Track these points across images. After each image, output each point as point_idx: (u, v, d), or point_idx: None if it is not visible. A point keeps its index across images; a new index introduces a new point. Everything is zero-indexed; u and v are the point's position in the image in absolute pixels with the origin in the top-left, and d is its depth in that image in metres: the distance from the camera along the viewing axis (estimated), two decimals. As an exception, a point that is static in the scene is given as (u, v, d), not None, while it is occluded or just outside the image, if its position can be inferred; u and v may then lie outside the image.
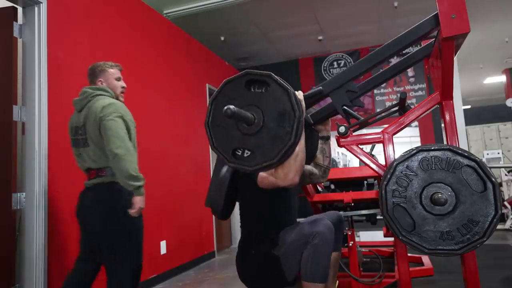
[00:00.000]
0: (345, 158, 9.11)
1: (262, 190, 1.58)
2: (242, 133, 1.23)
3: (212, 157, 4.64)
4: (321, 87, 1.46)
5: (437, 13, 1.20)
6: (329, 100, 1.54)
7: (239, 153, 1.25)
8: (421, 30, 1.30)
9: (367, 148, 3.51)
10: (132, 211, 1.87)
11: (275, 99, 1.20)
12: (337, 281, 1.90)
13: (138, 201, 1.88)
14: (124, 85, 2.23)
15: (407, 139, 7.68)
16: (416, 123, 5.61)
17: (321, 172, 1.88)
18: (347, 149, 1.60)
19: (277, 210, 1.71)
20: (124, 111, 2.02)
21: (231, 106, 1.11)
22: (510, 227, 4.97)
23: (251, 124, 1.21)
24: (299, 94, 1.34)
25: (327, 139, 1.83)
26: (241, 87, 1.24)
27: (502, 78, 8.57)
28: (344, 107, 1.49)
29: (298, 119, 1.17)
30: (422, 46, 1.56)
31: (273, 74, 1.21)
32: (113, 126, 1.90)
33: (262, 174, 1.54)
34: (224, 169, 1.71)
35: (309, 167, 1.87)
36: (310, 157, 1.83)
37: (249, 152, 1.23)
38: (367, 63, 1.42)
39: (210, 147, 1.30)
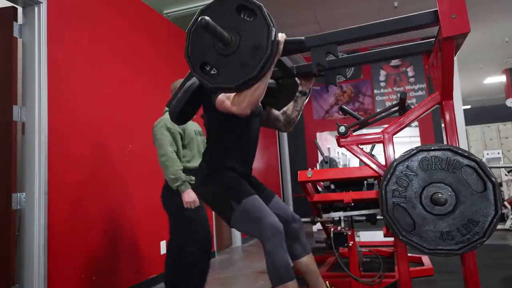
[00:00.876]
0: (345, 158, 9.10)
1: (218, 113, 1.62)
2: (216, 52, 1.29)
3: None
4: (304, 38, 1.45)
5: (437, 9, 1.20)
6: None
7: (207, 69, 1.32)
8: (419, 20, 1.29)
9: (367, 148, 3.51)
10: (185, 205, 2.31)
11: (256, 31, 1.24)
12: (327, 281, 1.89)
13: (184, 197, 2.30)
14: None
15: (407, 139, 7.68)
16: (416, 123, 5.61)
17: (285, 121, 1.92)
18: (347, 149, 1.60)
19: (224, 141, 1.73)
20: (170, 123, 2.36)
21: (207, 17, 1.16)
22: (510, 227, 4.97)
23: (226, 45, 1.26)
24: (281, 36, 1.35)
25: (303, 94, 1.86)
26: (231, 9, 1.28)
27: (502, 78, 8.57)
28: (319, 64, 1.45)
29: (268, 56, 1.22)
30: (421, 42, 1.56)
31: (263, 7, 1.24)
32: (158, 137, 2.37)
33: (221, 96, 1.57)
34: (191, 82, 1.74)
35: (276, 113, 1.93)
36: (282, 103, 1.90)
37: (216, 71, 1.30)
38: (355, 32, 1.38)
39: (184, 54, 1.35)
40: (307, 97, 1.88)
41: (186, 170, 2.39)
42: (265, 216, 1.54)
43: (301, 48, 1.44)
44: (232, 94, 1.49)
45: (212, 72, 1.31)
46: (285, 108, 1.92)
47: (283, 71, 1.64)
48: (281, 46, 1.35)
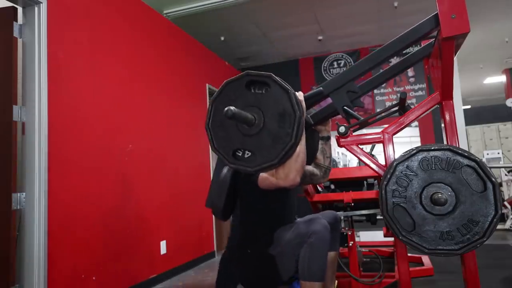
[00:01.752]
0: (345, 158, 9.10)
1: (262, 190, 1.58)
2: (243, 134, 1.23)
3: (212, 157, 4.64)
4: (321, 88, 1.46)
5: (437, 13, 1.20)
6: (329, 100, 1.54)
7: (240, 154, 1.25)
8: (421, 30, 1.30)
9: (367, 148, 3.51)
10: None
11: (276, 100, 1.20)
12: (336, 281, 1.90)
13: None
14: None
15: (407, 139, 7.68)
16: (416, 123, 5.61)
17: (322, 172, 1.88)
18: (347, 149, 1.60)
19: (276, 210, 1.72)
20: None
21: (232, 107, 1.11)
22: (510, 227, 4.97)
23: (251, 125, 1.21)
24: (299, 95, 1.34)
25: (327, 139, 1.84)
26: (241, 88, 1.24)
27: (502, 78, 8.57)
28: (345, 107, 1.48)
29: (299, 119, 1.18)
30: (422, 46, 1.56)
31: (273, 75, 1.21)
32: None
33: (262, 174, 1.54)
34: (225, 170, 1.71)
35: (310, 168, 1.87)
36: (310, 157, 1.84)
37: (250, 153, 1.24)
38: (367, 63, 1.42)
39: (210, 147, 1.30)
40: (330, 139, 1.85)
41: None
42: (319, 217, 1.60)
43: (321, 98, 1.45)
44: (273, 170, 1.45)
45: (246, 156, 1.25)
46: (316, 161, 1.89)
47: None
48: (304, 104, 1.32)
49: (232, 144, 1.25)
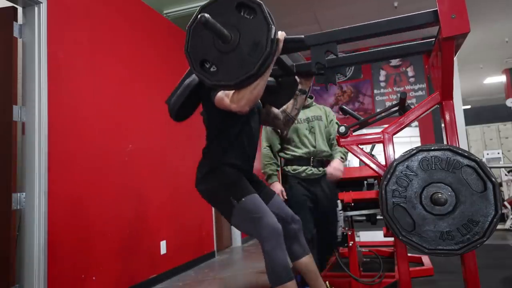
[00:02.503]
0: (345, 158, 9.09)
1: (218, 110, 1.62)
2: (216, 49, 1.29)
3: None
4: (303, 36, 1.44)
5: (437, 9, 1.20)
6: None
7: (207, 66, 1.32)
8: (419, 19, 1.29)
9: (367, 148, 3.51)
10: None
11: (256, 29, 1.24)
12: (327, 281, 1.88)
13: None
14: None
15: (407, 139, 7.67)
16: (416, 123, 5.61)
17: (284, 119, 1.93)
18: (347, 149, 1.60)
19: (224, 138, 1.73)
20: None
21: (206, 15, 1.17)
22: (510, 227, 4.97)
23: (226, 42, 1.26)
24: (280, 34, 1.35)
25: (303, 93, 1.86)
26: (232, 7, 1.28)
27: (502, 78, 8.57)
28: (318, 63, 1.44)
29: (267, 54, 1.22)
30: (421, 41, 1.56)
31: (263, 5, 1.24)
32: None
33: (220, 94, 1.58)
34: (191, 78, 1.74)
35: (276, 111, 1.93)
36: (281, 101, 1.91)
37: (215, 68, 1.30)
38: (355, 31, 1.38)
39: (184, 51, 1.35)
40: (306, 96, 1.88)
41: (295, 159, 2.58)
42: (264, 216, 1.54)
43: (301, 46, 1.44)
44: (231, 92, 1.50)
45: (211, 69, 1.31)
46: (284, 107, 1.93)
47: (283, 70, 1.64)
48: (281, 44, 1.35)
49: (203, 53, 1.31)
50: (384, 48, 1.59)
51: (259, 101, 1.84)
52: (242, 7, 1.27)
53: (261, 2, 1.24)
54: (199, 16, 1.17)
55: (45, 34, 2.49)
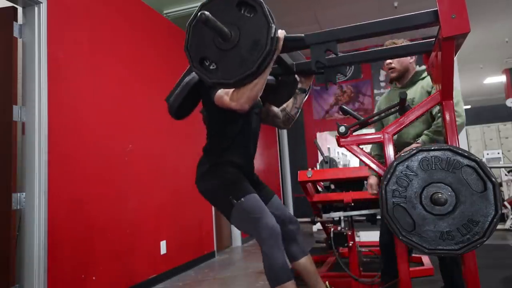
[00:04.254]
0: (345, 158, 9.10)
1: (217, 109, 1.62)
2: (216, 47, 1.28)
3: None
4: (303, 35, 1.44)
5: (437, 9, 1.20)
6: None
7: (207, 64, 1.31)
8: (419, 19, 1.29)
9: (367, 148, 3.51)
10: None
11: (256, 27, 1.24)
12: (327, 281, 1.88)
13: None
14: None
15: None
16: (416, 123, 5.59)
17: (284, 118, 1.92)
18: (347, 149, 1.60)
19: (225, 136, 1.74)
20: None
21: (206, 12, 1.16)
22: (510, 227, 4.97)
23: (226, 40, 1.26)
24: (281, 33, 1.35)
25: (303, 91, 1.86)
26: (232, 5, 1.28)
27: (502, 78, 8.57)
28: (318, 61, 1.44)
29: (267, 52, 1.22)
30: (421, 41, 1.56)
31: (264, 4, 1.24)
32: None
33: (220, 92, 1.57)
34: (191, 76, 1.74)
35: (275, 109, 1.93)
36: (281, 100, 1.91)
37: (215, 66, 1.29)
38: (355, 30, 1.38)
39: (183, 48, 1.34)
40: (306, 95, 1.88)
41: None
42: (262, 217, 1.55)
43: (301, 45, 1.43)
44: (231, 90, 1.50)
45: (211, 67, 1.30)
46: (284, 105, 1.93)
47: (283, 68, 1.64)
48: (281, 43, 1.35)
49: (202, 51, 1.31)
50: (385, 48, 1.58)
51: (259, 100, 1.84)
52: (243, 5, 1.27)
53: (262, 1, 1.23)
54: (199, 13, 1.16)
55: (45, 34, 2.49)
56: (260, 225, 1.53)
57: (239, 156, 1.75)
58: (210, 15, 1.16)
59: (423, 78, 2.22)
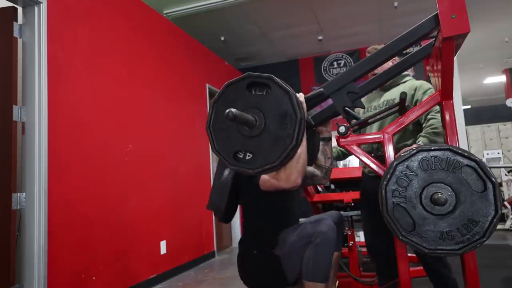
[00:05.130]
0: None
1: (264, 192, 1.58)
2: (244, 136, 1.22)
3: (212, 157, 4.64)
4: (322, 89, 1.46)
5: (437, 13, 1.20)
6: (330, 101, 1.54)
7: (241, 156, 1.24)
8: (421, 30, 1.30)
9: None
10: None
11: (276, 102, 1.20)
12: (337, 281, 1.89)
13: None
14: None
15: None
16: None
17: (323, 173, 1.87)
18: (347, 149, 1.60)
19: (279, 210, 1.72)
20: None
21: (233, 109, 1.10)
22: (510, 227, 4.97)
23: (252, 127, 1.21)
24: (300, 96, 1.33)
25: (328, 140, 1.83)
26: (242, 90, 1.23)
27: (502, 78, 8.57)
28: (346, 108, 1.48)
29: (300, 121, 1.17)
30: (422, 46, 1.56)
31: (274, 77, 1.20)
32: None
33: (264, 176, 1.54)
34: (226, 172, 1.71)
35: (310, 169, 1.86)
36: (311, 158, 1.83)
37: (251, 155, 1.23)
38: (367, 64, 1.41)
39: (210, 148, 1.29)
40: (331, 140, 1.83)
41: None
42: (325, 218, 1.61)
43: (322, 98, 1.44)
44: (275, 172, 1.45)
45: (247, 158, 1.24)
46: (317, 162, 1.87)
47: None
48: (305, 106, 1.33)
49: (233, 145, 1.24)
50: (390, 67, 1.59)
51: None
52: (253, 86, 1.23)
53: (271, 75, 1.20)
54: (227, 112, 1.10)
55: (45, 34, 2.49)
56: (324, 222, 1.56)
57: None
58: (236, 111, 1.11)
59: (405, 82, 2.26)
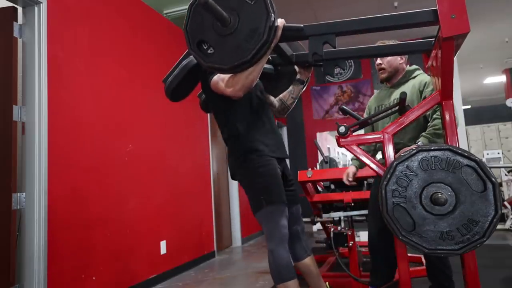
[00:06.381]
0: (345, 158, 9.09)
1: (216, 94, 1.63)
2: (214, 31, 1.27)
3: (212, 157, 4.64)
4: (303, 26, 1.44)
5: (436, 9, 1.20)
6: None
7: (204, 47, 1.30)
8: (418, 17, 1.29)
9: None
10: None
11: (255, 15, 1.23)
12: (327, 282, 1.89)
13: None
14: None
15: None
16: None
17: (280, 107, 1.94)
18: (347, 149, 1.60)
19: (233, 122, 1.70)
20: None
21: None
22: (510, 227, 4.97)
23: (225, 26, 1.25)
24: (280, 22, 1.35)
25: (301, 83, 1.87)
26: None
27: (502, 78, 8.57)
28: (315, 53, 1.44)
29: (264, 42, 1.21)
30: (421, 40, 1.56)
31: None
32: None
33: (216, 77, 1.58)
34: (190, 58, 1.72)
35: (271, 98, 1.94)
36: (279, 90, 1.92)
37: (212, 50, 1.29)
38: (354, 24, 1.39)
39: (183, 30, 1.33)
40: (304, 86, 1.89)
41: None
42: (282, 219, 1.61)
43: (300, 35, 1.42)
44: (227, 76, 1.50)
45: (208, 51, 1.29)
46: (281, 95, 1.93)
47: (282, 58, 1.64)
48: (279, 32, 1.34)
49: (201, 33, 1.30)
50: (383, 45, 1.59)
51: (260, 82, 1.83)
52: None
53: None
54: None
55: (45, 34, 2.49)
56: (279, 226, 1.58)
57: (266, 136, 1.72)
58: (212, 1, 1.15)
59: (415, 77, 2.20)
